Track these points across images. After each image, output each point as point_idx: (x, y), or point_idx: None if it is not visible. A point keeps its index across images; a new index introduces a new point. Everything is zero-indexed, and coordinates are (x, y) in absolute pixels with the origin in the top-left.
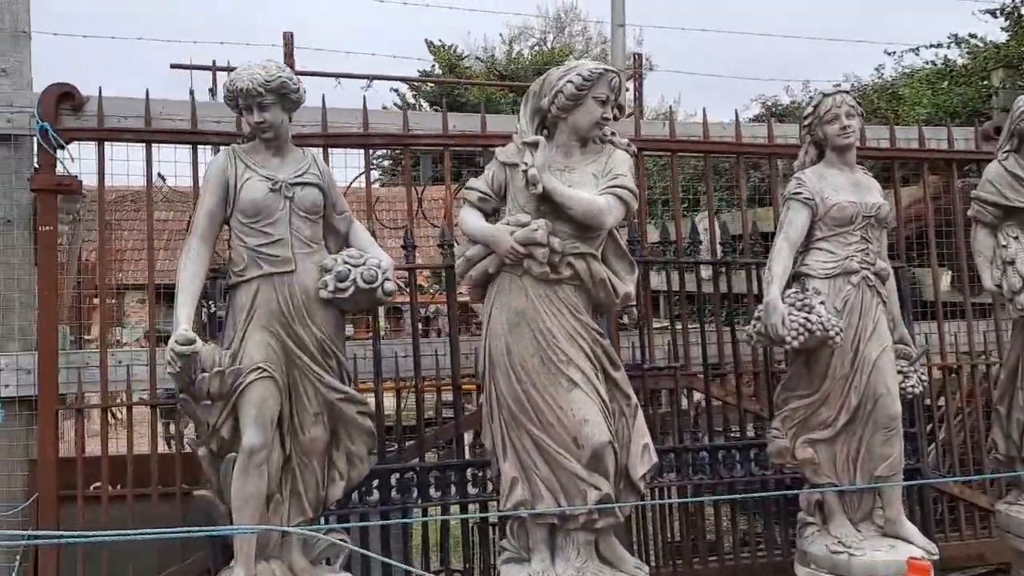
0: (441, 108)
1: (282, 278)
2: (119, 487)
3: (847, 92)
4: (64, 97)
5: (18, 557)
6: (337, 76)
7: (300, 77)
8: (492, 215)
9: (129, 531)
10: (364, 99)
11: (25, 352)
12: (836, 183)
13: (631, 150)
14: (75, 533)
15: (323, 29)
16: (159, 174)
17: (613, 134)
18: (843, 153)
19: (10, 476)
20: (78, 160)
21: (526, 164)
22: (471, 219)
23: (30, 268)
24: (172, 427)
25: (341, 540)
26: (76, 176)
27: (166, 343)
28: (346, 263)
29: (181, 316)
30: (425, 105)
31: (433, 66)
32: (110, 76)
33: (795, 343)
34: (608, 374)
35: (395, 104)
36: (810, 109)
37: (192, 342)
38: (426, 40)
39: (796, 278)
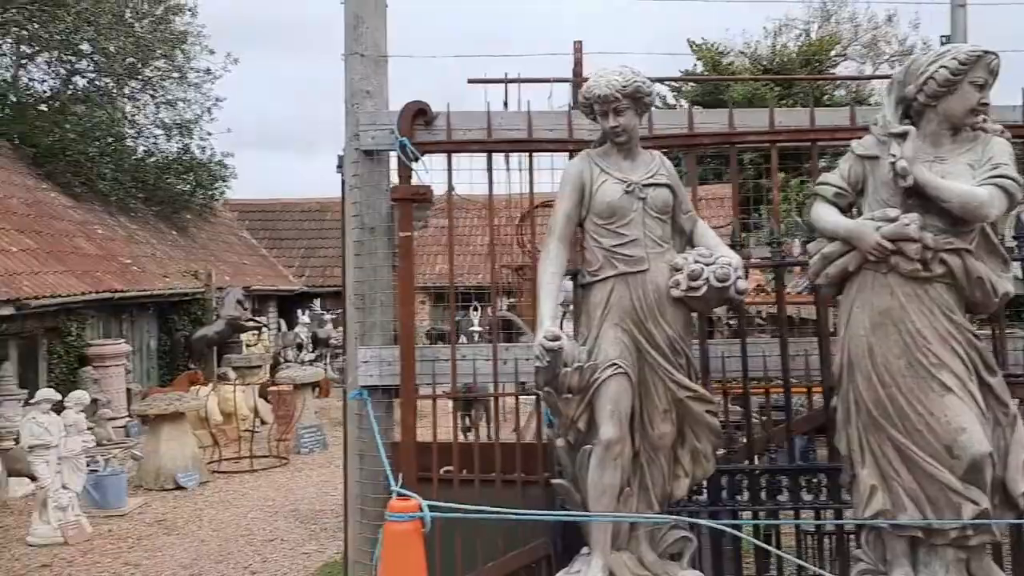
0: (726, 106)
1: (636, 277)
2: (464, 472)
3: None
4: (418, 114)
5: (381, 529)
6: None
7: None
8: (847, 211)
9: (520, 511)
10: (690, 102)
11: (385, 345)
12: None
13: (1007, 136)
14: (486, 508)
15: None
16: (450, 184)
17: (984, 120)
18: None
19: (374, 457)
20: (430, 171)
21: (893, 156)
22: (827, 215)
23: (388, 271)
24: (467, 420)
25: (688, 536)
26: (428, 186)
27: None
28: (697, 262)
29: (545, 313)
30: (684, 104)
31: (695, 64)
32: (404, 90)
33: None
34: (983, 380)
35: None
36: None
37: (558, 338)
38: (688, 40)
39: None
